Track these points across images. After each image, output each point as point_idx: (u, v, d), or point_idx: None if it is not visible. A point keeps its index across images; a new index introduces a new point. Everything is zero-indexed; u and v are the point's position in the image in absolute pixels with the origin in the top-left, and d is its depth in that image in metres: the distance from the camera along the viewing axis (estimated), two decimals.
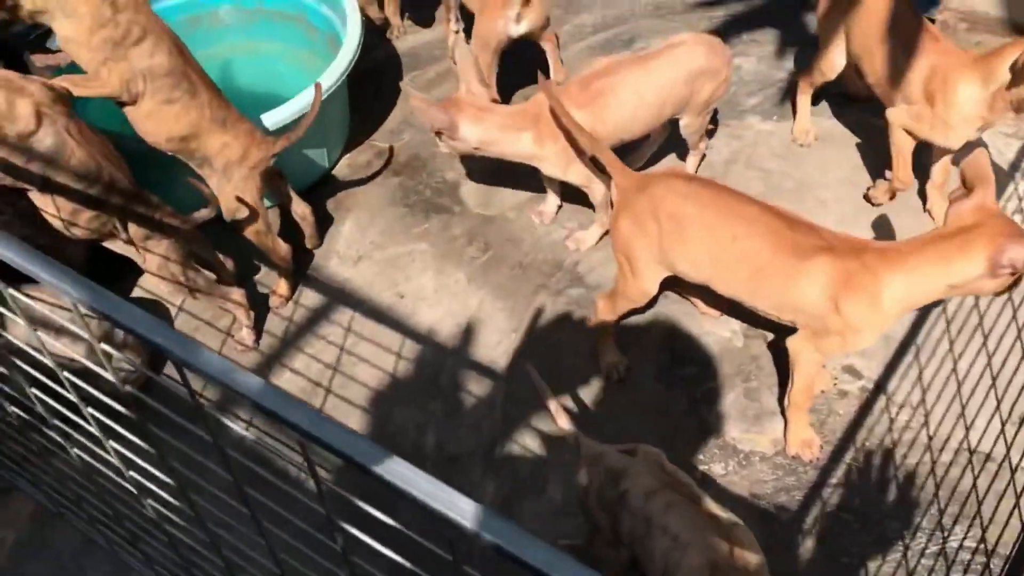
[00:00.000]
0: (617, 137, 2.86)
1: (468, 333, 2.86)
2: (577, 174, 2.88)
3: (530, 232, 3.13)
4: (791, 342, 2.39)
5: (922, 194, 3.12)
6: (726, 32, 3.82)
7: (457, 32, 3.62)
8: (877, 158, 3.22)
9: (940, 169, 3.00)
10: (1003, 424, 2.53)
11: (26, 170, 2.28)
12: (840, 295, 2.16)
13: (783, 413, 2.58)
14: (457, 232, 3.16)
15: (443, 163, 3.38)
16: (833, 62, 3.07)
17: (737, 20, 3.88)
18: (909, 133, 2.81)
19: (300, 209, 2.98)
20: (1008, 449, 2.49)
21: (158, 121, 2.52)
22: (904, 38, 2.75)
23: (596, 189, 2.93)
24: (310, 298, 3.00)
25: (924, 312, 2.81)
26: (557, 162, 2.85)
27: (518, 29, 3.17)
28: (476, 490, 2.48)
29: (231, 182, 2.65)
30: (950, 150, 2.85)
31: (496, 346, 2.82)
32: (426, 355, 2.82)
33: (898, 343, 2.74)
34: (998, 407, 2.56)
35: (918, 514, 2.40)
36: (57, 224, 2.44)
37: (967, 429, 2.54)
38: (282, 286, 2.97)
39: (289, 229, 3.05)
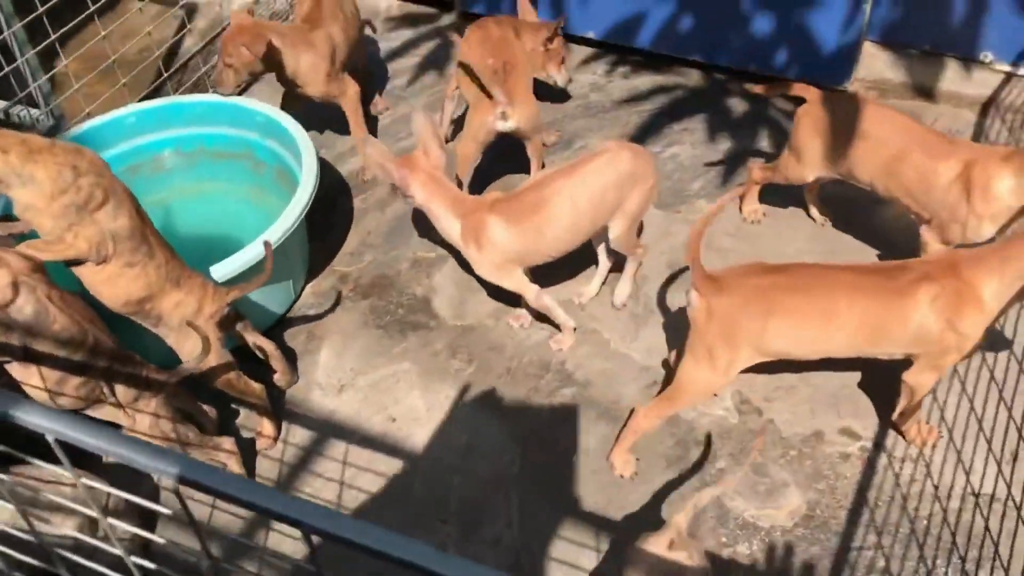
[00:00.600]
0: (556, 249, 2.93)
1: (469, 448, 2.84)
2: (505, 281, 2.96)
3: (510, 337, 3.16)
4: (910, 376, 2.54)
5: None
6: (657, 124, 3.99)
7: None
8: (824, 225, 3.41)
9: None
10: (999, 464, 2.65)
11: (5, 343, 2.20)
12: (951, 315, 2.32)
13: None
14: (438, 347, 3.15)
15: (410, 279, 3.39)
16: (803, 177, 3.16)
17: (665, 112, 4.06)
18: (944, 243, 2.86)
19: (264, 345, 2.93)
20: (1009, 487, 2.60)
21: (116, 285, 2.47)
22: (920, 146, 2.81)
23: (529, 293, 2.99)
24: (299, 435, 2.93)
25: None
26: (479, 266, 2.94)
27: (505, 126, 3.29)
28: None
29: (189, 337, 2.60)
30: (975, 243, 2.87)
31: (500, 457, 2.81)
32: (431, 477, 2.78)
33: (887, 399, 2.84)
34: (989, 448, 2.68)
35: (941, 564, 2.47)
36: (42, 396, 2.34)
37: (967, 474, 2.65)
38: (267, 426, 2.90)
39: (261, 367, 2.99)
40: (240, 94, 3.92)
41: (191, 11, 4.49)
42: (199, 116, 3.54)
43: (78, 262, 2.42)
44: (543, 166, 3.67)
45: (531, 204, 2.85)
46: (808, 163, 3.09)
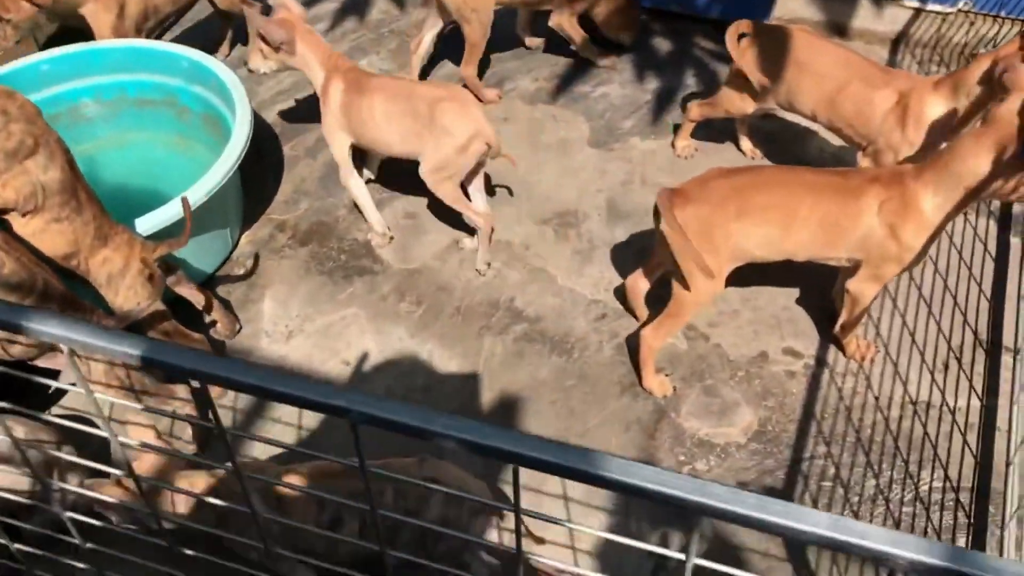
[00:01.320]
0: (374, 142, 3.08)
1: (427, 388, 2.84)
2: (333, 146, 3.16)
3: (458, 278, 3.16)
4: (853, 284, 2.64)
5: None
6: (586, 64, 4.02)
7: None
8: (754, 157, 3.51)
9: None
10: (932, 373, 2.81)
11: None
12: (895, 221, 2.42)
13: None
14: (385, 290, 3.13)
15: (349, 225, 3.35)
16: (744, 109, 3.23)
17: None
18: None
19: (199, 297, 2.86)
20: (943, 393, 2.76)
21: (39, 240, 2.36)
22: (859, 78, 2.90)
23: (343, 168, 3.18)
24: None
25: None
26: (322, 120, 3.12)
27: None
28: None
29: (118, 294, 2.52)
30: None
31: (457, 394, 2.82)
32: None
33: (824, 320, 2.97)
34: (923, 359, 2.84)
35: (887, 468, 2.61)
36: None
37: (904, 384, 2.80)
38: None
39: (200, 320, 2.92)
40: (159, 37, 3.77)
41: None
42: (119, 62, 3.39)
43: (2, 212, 2.30)
44: (475, 69, 3.76)
45: (366, 87, 3.02)
46: (750, 95, 3.16)
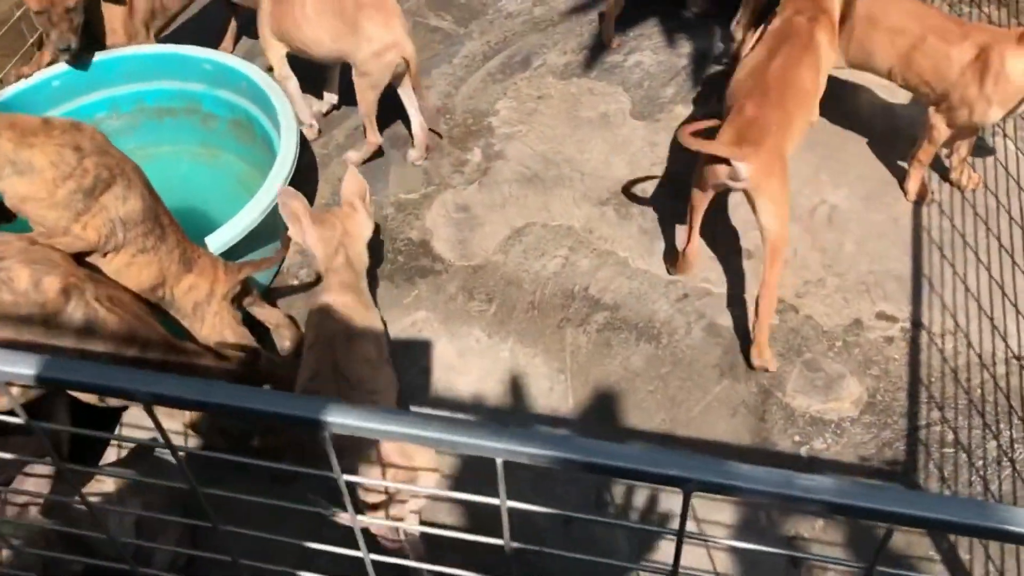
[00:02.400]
0: (301, 43, 3.12)
1: (516, 389, 2.71)
2: (268, 52, 3.25)
3: (525, 270, 3.01)
4: (932, 113, 2.91)
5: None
6: (618, 32, 3.86)
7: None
8: None
9: (966, 143, 3.06)
10: None
11: (58, 345, 1.90)
12: (977, 70, 2.69)
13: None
14: (452, 290, 2.98)
15: (401, 224, 3.18)
16: None
17: (616, 20, 3.93)
18: (951, 126, 2.88)
19: (274, 318, 2.70)
20: None
21: (127, 276, 2.19)
22: (934, 32, 2.81)
23: (277, 69, 3.26)
24: None
25: (918, 244, 2.99)
26: (261, 28, 3.20)
27: None
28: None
29: (204, 322, 2.36)
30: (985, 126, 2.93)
31: (550, 393, 2.69)
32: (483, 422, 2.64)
33: (910, 281, 2.89)
34: (1017, 311, 2.78)
35: (1005, 428, 2.55)
36: (91, 399, 2.06)
37: (1004, 339, 2.73)
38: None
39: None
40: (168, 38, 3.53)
41: None
42: (135, 71, 3.16)
43: (85, 254, 2.11)
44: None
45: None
46: None
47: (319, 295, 2.27)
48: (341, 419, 0.94)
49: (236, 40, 3.92)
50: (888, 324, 2.81)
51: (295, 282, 3.03)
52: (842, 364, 2.72)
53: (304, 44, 3.13)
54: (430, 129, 3.36)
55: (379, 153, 3.36)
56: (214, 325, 2.32)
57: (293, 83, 3.32)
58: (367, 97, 3.13)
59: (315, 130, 3.46)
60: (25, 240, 1.95)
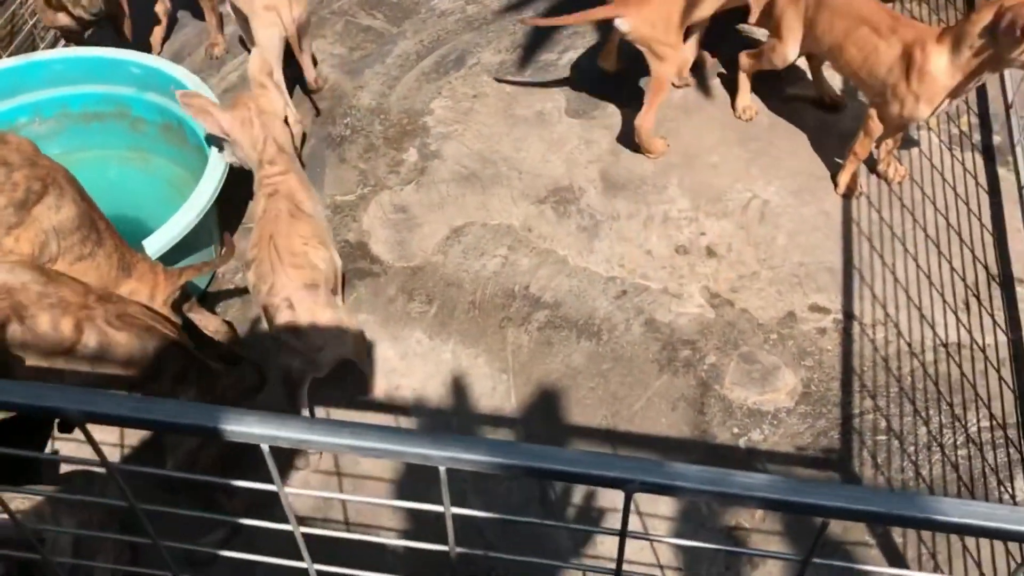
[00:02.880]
0: None
1: (459, 390, 2.71)
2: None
3: (465, 270, 3.01)
4: (869, 106, 3.01)
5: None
6: (545, 29, 3.87)
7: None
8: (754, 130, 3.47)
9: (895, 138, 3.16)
10: (955, 314, 2.84)
11: (73, 371, 1.87)
12: (903, 66, 2.78)
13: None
14: (392, 292, 2.96)
15: (337, 226, 3.15)
16: (786, 56, 3.19)
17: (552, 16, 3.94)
18: (882, 120, 2.94)
19: (212, 324, 2.65)
20: (970, 333, 2.79)
21: None
22: (871, 24, 2.87)
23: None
24: (263, 405, 2.68)
25: (848, 237, 3.06)
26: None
27: None
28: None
29: None
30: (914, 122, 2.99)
31: (493, 393, 2.70)
32: (426, 424, 2.64)
33: (841, 273, 2.96)
34: (943, 299, 2.86)
35: (934, 414, 2.63)
36: None
37: (932, 327, 2.82)
38: None
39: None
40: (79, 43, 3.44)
41: None
42: (59, 75, 3.07)
43: None
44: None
45: None
46: (790, 41, 3.15)
47: (263, 183, 2.57)
48: (284, 432, 0.93)
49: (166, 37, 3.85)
50: (821, 316, 2.87)
51: (231, 287, 2.99)
52: (777, 356, 2.77)
53: None
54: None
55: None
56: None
57: None
58: (263, 40, 3.13)
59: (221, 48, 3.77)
60: (39, 279, 1.89)
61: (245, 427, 0.94)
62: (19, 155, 1.96)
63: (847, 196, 3.17)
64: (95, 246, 2.13)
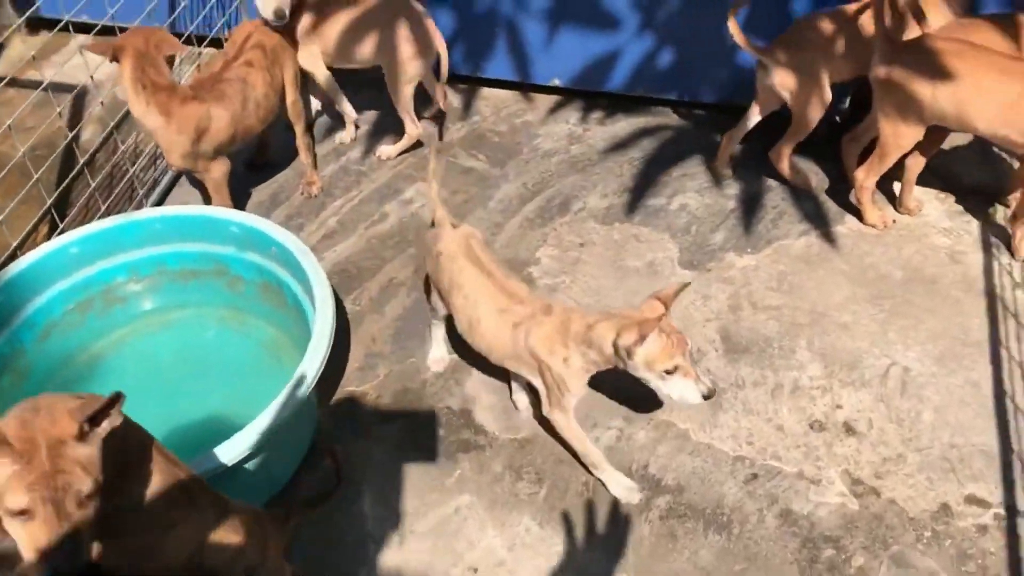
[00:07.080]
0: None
1: None
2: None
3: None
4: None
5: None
6: (653, 172, 3.70)
7: None
8: (860, 269, 3.21)
9: None
10: None
11: None
12: None
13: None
14: (498, 468, 2.74)
15: (439, 390, 2.95)
16: (915, 136, 3.09)
17: (656, 158, 3.78)
18: None
19: None
20: None
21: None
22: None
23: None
24: None
25: (1002, 414, 2.75)
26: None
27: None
28: None
29: None
30: None
31: None
32: None
33: (999, 458, 2.65)
34: None
35: None
36: None
37: None
38: None
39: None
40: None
41: (79, 95, 3.84)
42: (157, 233, 2.98)
43: None
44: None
45: None
46: (914, 117, 3.02)
47: None
48: None
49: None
50: (980, 510, 2.55)
51: (328, 461, 2.80)
52: (933, 559, 2.45)
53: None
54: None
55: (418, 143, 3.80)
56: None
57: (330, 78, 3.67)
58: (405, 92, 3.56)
59: (353, 132, 3.95)
60: None
61: None
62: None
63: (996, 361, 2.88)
64: (186, 511, 1.93)
